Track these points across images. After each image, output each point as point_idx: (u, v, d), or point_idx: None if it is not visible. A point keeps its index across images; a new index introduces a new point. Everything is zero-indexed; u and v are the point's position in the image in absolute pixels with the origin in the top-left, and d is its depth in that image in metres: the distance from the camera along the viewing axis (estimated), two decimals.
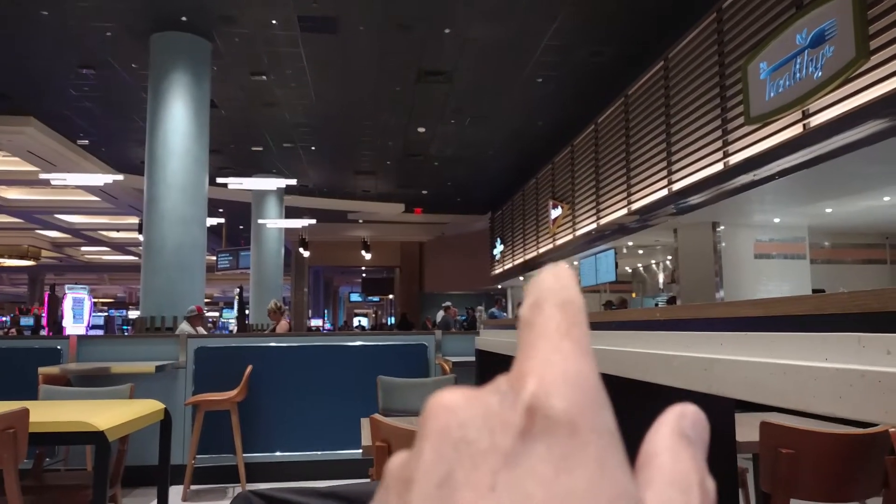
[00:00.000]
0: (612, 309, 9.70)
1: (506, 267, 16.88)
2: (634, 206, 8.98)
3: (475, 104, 10.72)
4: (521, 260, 15.30)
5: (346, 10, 7.67)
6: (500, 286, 19.13)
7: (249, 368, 4.69)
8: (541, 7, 7.52)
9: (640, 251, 12.07)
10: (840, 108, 5.25)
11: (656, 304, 12.57)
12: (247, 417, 4.77)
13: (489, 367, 3.05)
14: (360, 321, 33.92)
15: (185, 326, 6.63)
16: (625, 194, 9.27)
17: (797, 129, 5.72)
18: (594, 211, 10.49)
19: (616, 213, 9.65)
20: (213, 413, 4.59)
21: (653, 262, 13.49)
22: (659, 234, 9.71)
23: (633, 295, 14.69)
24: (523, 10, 7.60)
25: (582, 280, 12.62)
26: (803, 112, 5.62)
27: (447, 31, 8.15)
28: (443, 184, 16.10)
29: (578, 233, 11.31)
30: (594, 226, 10.51)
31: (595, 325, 1.67)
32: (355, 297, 33.59)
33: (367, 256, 20.00)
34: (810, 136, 5.60)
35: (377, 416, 1.62)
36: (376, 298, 30.53)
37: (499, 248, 17.50)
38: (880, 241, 10.38)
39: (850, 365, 0.77)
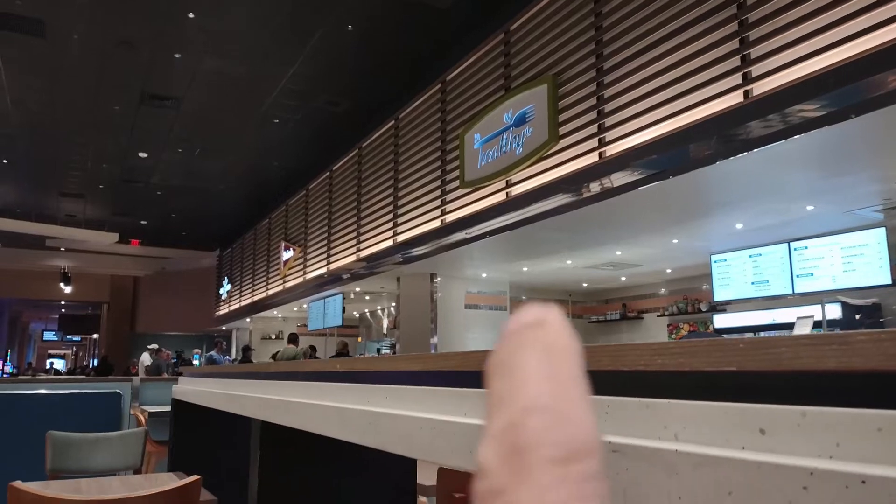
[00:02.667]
0: (335, 354, 9.77)
1: (232, 307, 16.08)
2: (363, 254, 9.26)
3: (207, 135, 10.22)
4: (248, 301, 14.71)
5: (55, 14, 6.83)
6: (224, 327, 18.13)
7: None
8: (279, 50, 7.52)
9: (367, 297, 12.43)
10: (536, 182, 6.03)
11: (378, 350, 13.00)
12: None
13: (186, 419, 2.83)
14: (53, 363, 29.29)
15: None
16: (355, 241, 9.52)
17: (502, 196, 6.44)
18: (325, 255, 10.58)
19: (346, 259, 9.84)
20: None
21: (378, 307, 13.97)
22: (384, 281, 10.12)
23: (360, 339, 15.01)
24: (260, 50, 7.52)
25: (310, 323, 12.54)
26: (507, 182, 6.36)
27: (178, 55, 7.70)
28: (166, 215, 14.92)
29: (309, 276, 11.27)
30: (324, 270, 10.58)
31: (278, 376, 1.64)
32: (50, 336, 29.04)
33: (67, 290, 17.52)
34: (512, 203, 6.33)
35: (19, 483, 1.37)
36: (77, 338, 26.75)
37: (226, 287, 16.64)
38: (564, 297, 12.10)
39: (481, 420, 0.84)
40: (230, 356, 16.91)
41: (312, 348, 10.47)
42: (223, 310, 16.88)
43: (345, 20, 6.88)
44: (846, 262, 5.57)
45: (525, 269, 9.43)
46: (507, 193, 6.37)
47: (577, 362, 0.21)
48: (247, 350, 12.34)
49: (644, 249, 8.11)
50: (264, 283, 13.61)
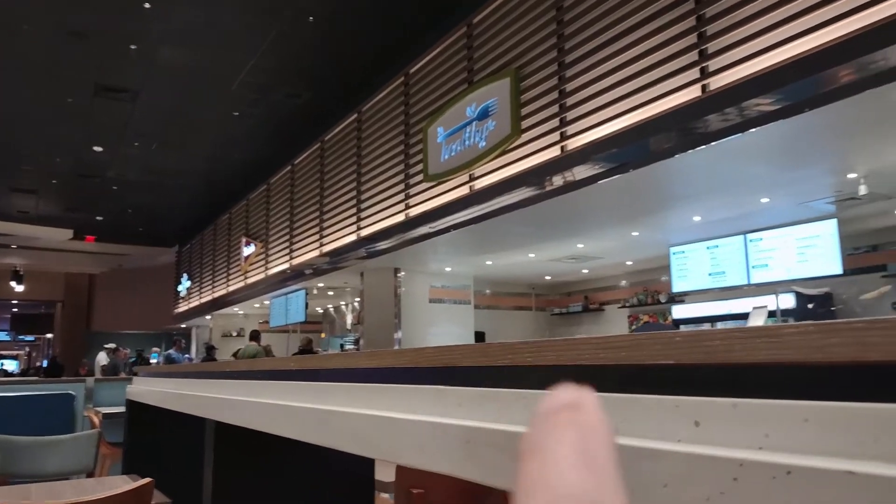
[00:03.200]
0: (298, 351, 9.67)
1: (192, 305, 15.80)
2: (326, 249, 9.18)
3: (164, 129, 9.99)
4: (209, 298, 14.47)
5: (4, 3, 6.59)
6: (184, 325, 17.80)
7: None
8: (237, 42, 7.38)
9: (331, 292, 12.33)
10: (499, 175, 6.05)
11: (342, 346, 12.92)
12: None
13: (140, 420, 2.77)
14: (3, 364, 28.39)
15: None
16: (317, 236, 9.43)
17: (465, 190, 6.45)
18: (287, 251, 10.46)
19: (309, 254, 9.74)
20: None
21: (342, 303, 13.87)
22: (348, 276, 10.05)
23: (322, 335, 14.90)
24: (219, 41, 7.37)
25: (272, 320, 12.40)
26: (470, 175, 6.37)
27: (133, 47, 7.50)
28: (123, 211, 14.55)
29: (271, 272, 11.13)
30: (287, 265, 10.46)
31: (233, 375, 1.62)
32: (1, 336, 28.14)
33: (19, 288, 17.00)
34: (475, 197, 6.34)
35: None
36: (30, 338, 25.98)
37: (185, 284, 16.33)
38: (528, 291, 12.19)
39: (431, 417, 0.83)
40: (190, 354, 16.62)
41: (309, 341, 10.30)
42: (182, 307, 16.58)
43: (306, 11, 6.79)
44: (800, 252, 5.72)
45: (489, 262, 9.46)
46: (470, 187, 6.38)
47: (611, 448, 0.20)
48: (211, 349, 12.13)
49: (605, 242, 8.20)
50: (225, 280, 13.40)
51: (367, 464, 1.74)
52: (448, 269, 9.65)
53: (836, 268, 5.51)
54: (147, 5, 6.68)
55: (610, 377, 0.60)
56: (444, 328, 9.69)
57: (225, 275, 13.43)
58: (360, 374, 1.06)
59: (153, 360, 16.76)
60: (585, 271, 10.72)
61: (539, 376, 0.69)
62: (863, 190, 5.17)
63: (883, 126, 4.29)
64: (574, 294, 12.06)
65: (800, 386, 0.46)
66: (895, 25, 3.26)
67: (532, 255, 9.07)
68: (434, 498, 1.90)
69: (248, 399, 1.47)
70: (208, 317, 15.78)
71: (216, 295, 13.95)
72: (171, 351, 12.63)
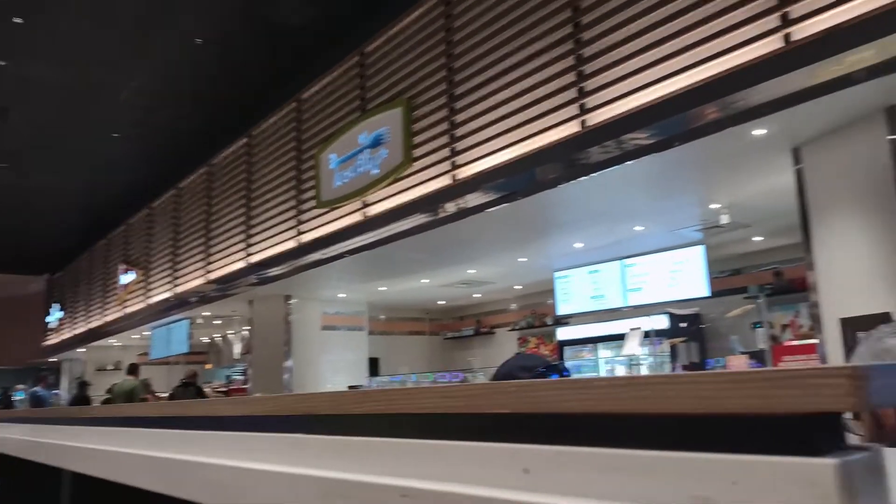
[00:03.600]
0: (180, 384, 9.15)
1: (64, 337, 14.66)
2: (213, 276, 8.82)
3: (37, 148, 9.29)
4: (83, 329, 13.49)
5: None
6: (54, 359, 16.44)
7: None
8: (119, 61, 7.03)
9: (217, 321, 11.83)
10: (392, 202, 6.07)
11: (227, 377, 12.40)
12: None
13: None
14: None
15: None
16: (204, 262, 9.05)
17: (358, 217, 6.43)
18: (170, 278, 9.95)
19: (194, 282, 9.32)
20: None
21: (229, 332, 13.34)
22: (236, 304, 9.70)
23: (208, 366, 14.24)
24: (100, 59, 6.99)
25: (152, 351, 11.72)
26: (363, 202, 6.35)
27: (3, 63, 6.98)
28: None
29: (152, 300, 10.54)
30: (170, 293, 9.94)
31: (91, 421, 1.52)
32: None
33: None
34: (369, 223, 6.33)
35: None
36: None
37: (56, 314, 15.14)
38: (422, 316, 12.25)
39: (289, 468, 0.82)
40: (58, 390, 15.38)
41: (194, 373, 9.66)
42: (53, 339, 15.35)
43: (193, 33, 6.58)
44: (671, 276, 6.12)
45: (383, 288, 9.44)
46: (363, 214, 6.37)
47: None
48: (83, 385, 11.24)
49: (495, 268, 8.41)
50: (100, 310, 12.55)
51: None
52: (341, 295, 9.53)
53: (703, 290, 5.94)
54: (18, 20, 6.24)
55: (452, 426, 0.62)
56: (337, 355, 9.53)
57: (101, 304, 12.58)
58: (222, 422, 1.03)
59: (17, 398, 15.34)
60: (477, 296, 10.91)
61: (389, 424, 0.70)
62: (725, 219, 5.63)
63: (740, 161, 4.70)
64: (466, 318, 12.24)
65: (612, 435, 0.49)
66: (752, 70, 3.59)
67: (425, 281, 9.14)
68: None
69: (106, 448, 1.38)
70: (82, 349, 14.68)
71: (91, 326, 13.04)
72: (37, 388, 11.61)
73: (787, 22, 3.46)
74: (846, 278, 4.07)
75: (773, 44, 3.51)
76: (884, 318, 3.75)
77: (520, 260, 7.92)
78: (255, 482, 0.84)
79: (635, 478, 0.46)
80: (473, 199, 5.37)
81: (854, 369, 0.38)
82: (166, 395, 9.97)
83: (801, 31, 3.41)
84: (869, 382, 0.38)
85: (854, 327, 3.80)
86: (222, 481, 0.93)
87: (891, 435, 1.11)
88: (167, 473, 1.08)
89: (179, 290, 9.69)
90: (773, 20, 3.52)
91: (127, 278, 11.33)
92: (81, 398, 10.75)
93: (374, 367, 10.56)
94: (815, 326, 4.29)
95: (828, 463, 0.38)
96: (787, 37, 3.46)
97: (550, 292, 7.88)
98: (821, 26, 3.32)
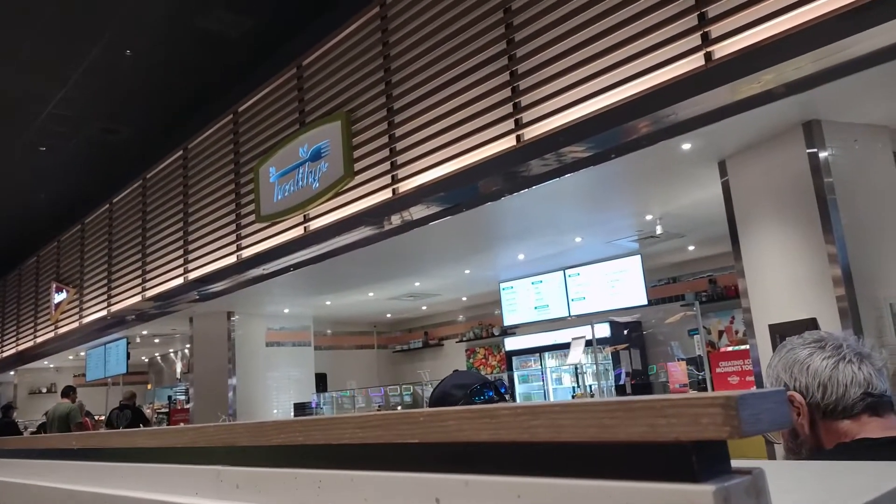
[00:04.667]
0: (117, 407, 8.80)
1: None
2: (150, 293, 8.55)
3: None
4: (12, 351, 12.85)
5: None
6: None
7: None
8: (44, 70, 6.77)
9: (157, 340, 11.48)
10: (334, 216, 6.01)
11: (169, 398, 12.02)
12: None
13: None
14: None
15: None
16: (140, 279, 8.76)
17: (300, 231, 6.34)
18: (106, 296, 9.60)
19: (130, 300, 9.01)
20: None
21: (170, 350, 12.95)
22: (176, 322, 9.43)
23: (149, 386, 13.77)
24: (21, 68, 6.71)
25: (88, 373, 11.26)
26: (304, 216, 6.28)
27: None
28: None
29: (86, 320, 10.14)
30: (105, 312, 9.58)
31: (10, 454, 1.45)
32: None
33: None
34: (311, 238, 6.25)
35: None
36: None
37: None
38: (369, 329, 12.17)
39: (210, 501, 0.80)
40: None
41: (132, 394, 9.25)
42: None
43: (121, 44, 6.39)
44: (611, 285, 6.26)
45: (328, 302, 9.33)
46: (305, 228, 6.29)
47: None
48: (8, 409, 10.66)
49: (440, 280, 8.44)
50: (32, 331, 11.99)
51: None
52: (286, 310, 9.38)
53: (642, 298, 6.10)
54: None
55: (368, 455, 0.62)
56: (283, 372, 9.37)
57: (32, 325, 12.02)
58: (143, 453, 1.00)
59: None
60: (424, 308, 10.92)
61: (308, 455, 0.70)
62: (659, 229, 5.80)
63: (672, 174, 4.86)
64: (415, 330, 12.22)
65: (515, 463, 0.50)
66: (678, 86, 3.73)
67: (371, 294, 9.09)
68: None
69: (25, 482, 1.33)
70: (12, 373, 13.99)
71: (21, 348, 12.44)
72: None
73: (707, 41, 3.61)
74: (773, 285, 4.25)
75: (695, 62, 3.66)
76: (809, 323, 3.94)
77: (465, 272, 7.97)
78: None
79: None
80: (417, 212, 5.38)
81: (727, 399, 0.40)
82: (104, 417, 9.59)
83: (721, 50, 3.57)
84: (741, 411, 0.40)
85: (781, 333, 3.97)
86: None
87: (807, 444, 1.16)
88: None
89: (115, 308, 9.35)
90: (694, 39, 3.67)
91: (59, 297, 10.87)
92: (5, 424, 10.22)
93: (321, 382, 10.41)
94: (748, 332, 4.46)
95: (706, 489, 0.40)
96: (708, 55, 3.61)
97: (496, 303, 7.95)
98: (739, 45, 3.48)
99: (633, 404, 0.44)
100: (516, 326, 7.84)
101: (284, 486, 0.70)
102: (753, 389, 1.17)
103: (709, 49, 3.60)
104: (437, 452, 0.57)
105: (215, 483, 0.81)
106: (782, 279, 4.20)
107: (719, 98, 3.63)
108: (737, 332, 7.69)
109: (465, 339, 11.05)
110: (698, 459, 0.42)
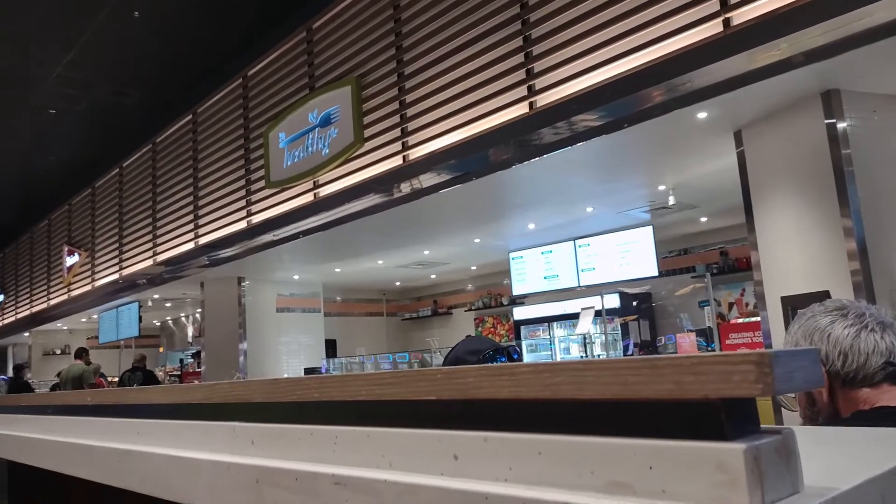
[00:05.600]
0: (131, 367, 8.94)
1: (7, 321, 14.12)
2: (160, 258, 8.59)
3: None
4: (27, 313, 13.01)
5: None
6: None
7: None
8: (52, 33, 6.71)
9: (168, 304, 11.58)
10: (343, 183, 5.99)
11: (181, 361, 12.17)
12: None
13: None
14: None
15: None
16: (151, 244, 8.81)
17: (310, 197, 6.33)
18: (117, 260, 9.66)
19: (142, 264, 9.07)
20: None
21: (182, 315, 13.07)
22: (187, 286, 9.50)
23: (161, 349, 13.95)
24: (30, 30, 6.65)
25: (101, 335, 11.40)
26: (314, 182, 6.26)
27: None
28: None
29: (98, 283, 10.23)
30: (117, 276, 9.66)
31: (31, 410, 1.47)
32: None
33: None
34: (321, 204, 6.24)
35: None
36: None
37: None
38: (378, 297, 12.22)
39: (222, 456, 0.81)
40: (3, 375, 14.86)
41: (142, 357, 9.40)
42: None
43: (130, 5, 6.31)
44: (622, 256, 6.24)
45: (338, 269, 9.36)
46: (314, 194, 6.27)
47: None
48: (19, 369, 10.84)
49: (450, 248, 8.42)
50: (45, 293, 12.13)
51: None
52: (296, 276, 9.42)
53: (653, 270, 6.07)
54: None
55: (385, 412, 0.62)
56: (293, 337, 9.45)
57: (45, 287, 12.15)
58: (157, 410, 1.01)
59: None
60: (433, 276, 10.93)
61: (323, 412, 0.69)
62: (672, 200, 5.75)
63: (686, 143, 4.80)
64: (423, 299, 12.26)
65: (535, 420, 0.50)
66: (694, 54, 3.65)
67: (381, 262, 9.10)
68: None
69: (43, 437, 1.34)
70: (26, 334, 14.20)
71: (35, 310, 12.59)
72: None
73: (726, 7, 3.52)
74: (787, 257, 4.21)
75: (713, 28, 3.57)
76: (823, 296, 3.90)
77: (475, 241, 7.95)
78: (188, 470, 0.83)
79: (557, 463, 0.47)
80: (427, 180, 5.34)
81: (760, 356, 0.39)
82: (116, 379, 9.75)
83: (739, 17, 3.48)
84: (775, 369, 0.39)
85: (794, 305, 3.94)
86: (157, 470, 0.91)
87: (824, 412, 1.15)
88: (102, 462, 1.06)
89: (126, 272, 9.42)
90: (713, 4, 3.58)
91: (71, 260, 10.96)
92: (19, 384, 10.41)
93: (331, 348, 10.51)
94: (760, 304, 4.44)
95: (736, 448, 0.39)
96: (726, 21, 3.52)
97: (506, 273, 7.95)
98: (758, 11, 3.39)
99: (658, 362, 0.43)
100: (525, 296, 7.84)
101: (300, 441, 0.70)
102: (786, 348, 1.15)
103: (727, 15, 3.51)
104: (455, 410, 0.56)
105: (230, 438, 0.81)
106: (796, 251, 4.16)
107: (737, 66, 3.56)
108: (747, 305, 7.67)
109: (473, 307, 11.09)
110: (728, 418, 0.41)
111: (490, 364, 1.45)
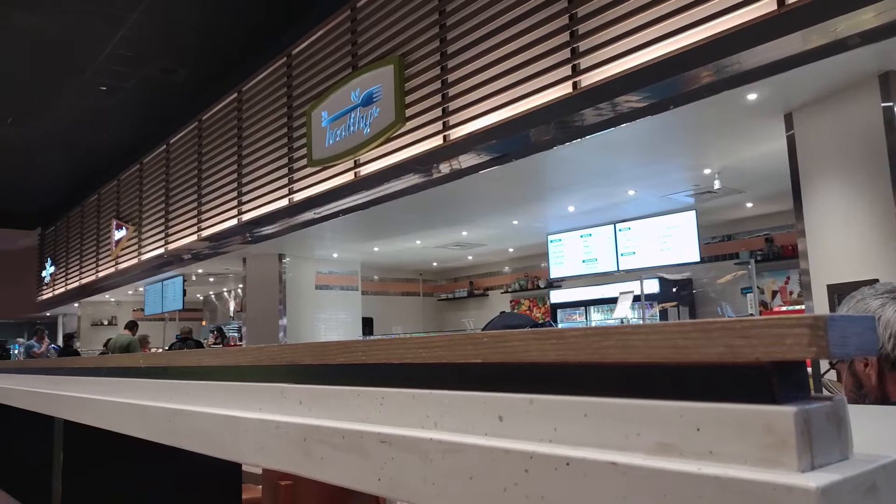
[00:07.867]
0: (178, 339, 9.22)
1: (57, 292, 14.66)
2: (205, 233, 8.80)
3: (19, 102, 9.15)
4: (76, 284, 13.49)
5: None
6: (49, 313, 16.50)
7: None
8: (104, 11, 6.86)
9: (211, 279, 11.85)
10: (384, 162, 6.03)
11: (213, 331, 12.46)
12: None
13: None
14: None
15: None
16: (195, 220, 9.01)
17: (350, 176, 6.39)
18: (163, 235, 9.92)
19: (186, 239, 9.29)
20: None
21: (224, 290, 13.38)
22: (229, 262, 9.71)
23: (204, 323, 14.31)
24: (83, 8, 6.82)
25: (147, 308, 11.75)
26: (355, 161, 6.31)
27: None
28: None
29: (145, 257, 10.53)
30: (163, 250, 9.93)
31: (82, 371, 1.53)
32: None
33: None
34: (361, 183, 6.29)
35: None
36: None
37: (49, 269, 15.11)
38: (415, 277, 12.30)
39: (271, 415, 0.84)
40: (56, 344, 15.46)
41: (188, 330, 9.69)
42: (47, 294, 15.35)
43: None
44: (663, 241, 6.14)
45: (376, 248, 9.45)
46: (355, 173, 6.33)
47: None
48: (69, 338, 11.26)
49: (488, 230, 8.41)
50: (94, 265, 12.54)
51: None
52: (335, 255, 9.54)
53: (694, 255, 5.97)
54: None
55: (430, 374, 0.63)
56: (331, 314, 9.60)
57: (94, 260, 12.56)
58: (207, 372, 1.04)
59: (15, 352, 15.44)
60: (470, 258, 10.95)
61: (370, 374, 0.71)
62: (717, 184, 5.62)
63: (733, 126, 4.68)
64: (460, 280, 12.30)
65: (581, 383, 0.50)
66: (745, 33, 3.55)
67: (419, 242, 9.15)
68: (303, 489, 1.90)
69: (96, 397, 1.40)
70: (76, 304, 14.72)
71: (84, 281, 13.03)
72: (31, 341, 11.64)
73: None
74: (835, 245, 4.09)
75: (766, 7, 3.46)
76: (871, 284, 3.79)
77: (513, 223, 7.92)
78: (239, 429, 0.86)
79: (603, 424, 0.48)
80: (467, 160, 5.34)
81: (815, 319, 0.39)
82: (160, 350, 10.04)
83: None
84: (829, 332, 0.39)
85: (840, 293, 3.84)
86: (207, 428, 0.94)
87: (871, 395, 1.13)
88: (154, 421, 1.10)
89: (172, 247, 9.68)
90: None
91: (119, 234, 11.29)
92: (69, 352, 10.81)
93: (368, 326, 10.64)
94: (805, 293, 4.34)
95: (787, 410, 0.39)
96: (781, 0, 3.41)
97: (543, 255, 7.90)
98: None
99: (709, 325, 0.43)
100: (563, 279, 7.80)
101: (347, 402, 0.72)
102: (841, 313, 1.13)
103: None
104: (501, 373, 0.57)
105: (278, 399, 0.84)
106: (845, 239, 4.04)
107: (790, 46, 3.45)
108: (791, 293, 7.49)
109: (509, 290, 11.08)
110: (779, 381, 0.41)
111: (537, 328, 1.46)
